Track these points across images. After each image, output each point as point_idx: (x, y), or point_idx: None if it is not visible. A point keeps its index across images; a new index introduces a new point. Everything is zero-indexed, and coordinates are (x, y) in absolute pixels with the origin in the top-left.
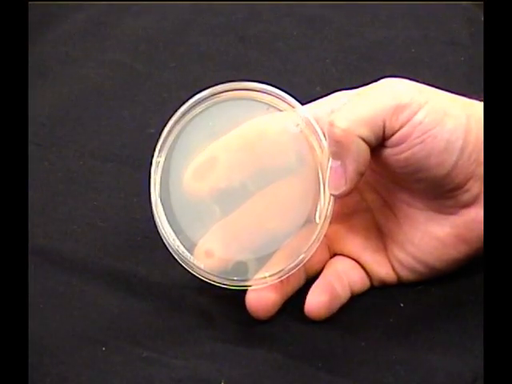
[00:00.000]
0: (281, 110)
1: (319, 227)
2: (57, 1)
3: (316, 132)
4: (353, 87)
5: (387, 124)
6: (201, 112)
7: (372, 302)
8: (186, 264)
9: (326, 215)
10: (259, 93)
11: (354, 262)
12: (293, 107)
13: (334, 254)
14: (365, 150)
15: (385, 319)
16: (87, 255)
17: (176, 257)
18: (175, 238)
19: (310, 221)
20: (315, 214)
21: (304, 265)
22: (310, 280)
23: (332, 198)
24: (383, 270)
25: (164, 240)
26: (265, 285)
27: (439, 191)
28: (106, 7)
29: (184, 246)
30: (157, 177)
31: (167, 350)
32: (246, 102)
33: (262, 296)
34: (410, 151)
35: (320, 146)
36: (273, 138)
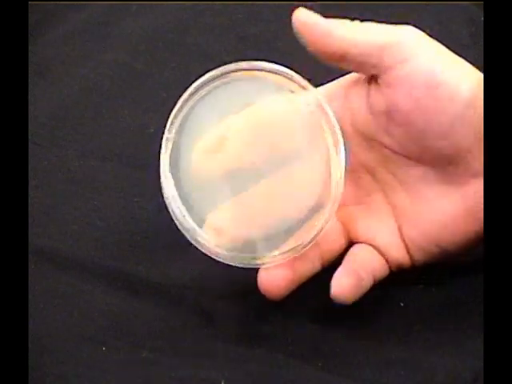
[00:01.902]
0: (292, 91)
1: (329, 207)
2: (57, 1)
3: (327, 113)
4: None
5: (389, 50)
6: (211, 91)
7: (372, 302)
8: (196, 241)
9: (336, 196)
10: (270, 73)
11: (371, 248)
12: (304, 88)
13: (349, 240)
14: None
15: (385, 319)
16: (87, 255)
17: (185, 234)
18: (186, 214)
19: (320, 201)
20: (326, 195)
21: (318, 247)
22: (326, 270)
23: (342, 178)
24: (398, 253)
25: (173, 216)
26: (275, 263)
27: (448, 150)
28: (106, 7)
29: (194, 223)
30: (166, 154)
31: (167, 349)
32: (258, 81)
33: (273, 274)
34: (415, 92)
35: (330, 128)
36: (283, 118)
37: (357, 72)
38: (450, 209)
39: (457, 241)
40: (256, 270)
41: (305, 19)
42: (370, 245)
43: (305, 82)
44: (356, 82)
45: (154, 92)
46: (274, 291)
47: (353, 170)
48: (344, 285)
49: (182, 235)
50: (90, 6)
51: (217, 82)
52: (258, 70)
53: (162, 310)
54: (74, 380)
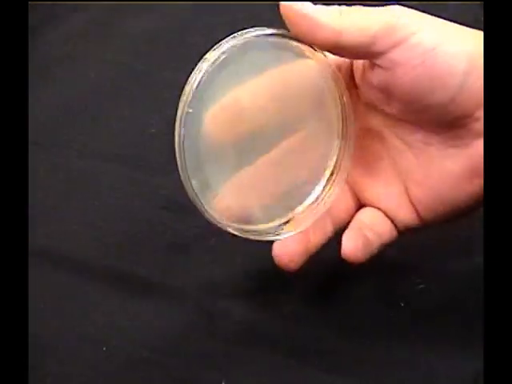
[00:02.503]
0: (308, 58)
1: (336, 177)
2: (57, 1)
3: (338, 83)
4: None
5: (380, 38)
6: (227, 58)
7: (372, 302)
8: (199, 205)
9: (342, 165)
10: (286, 39)
11: (379, 212)
12: (318, 55)
13: (358, 204)
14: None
15: (385, 319)
16: (87, 255)
17: (190, 196)
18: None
19: (327, 170)
20: (332, 164)
21: (328, 212)
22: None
23: (349, 148)
24: (407, 215)
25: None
26: (284, 236)
27: (449, 118)
28: (106, 7)
29: (200, 188)
30: (182, 116)
31: (167, 349)
32: (274, 48)
33: (287, 247)
34: (412, 73)
35: (340, 98)
36: (296, 85)
37: (350, 58)
38: (455, 169)
39: (462, 199)
40: (257, 268)
41: (293, 11)
42: (378, 208)
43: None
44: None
45: (154, 92)
46: (288, 264)
47: (360, 136)
48: (353, 244)
49: (183, 235)
50: (90, 5)
51: (233, 49)
52: (276, 35)
53: (162, 309)
54: (74, 380)
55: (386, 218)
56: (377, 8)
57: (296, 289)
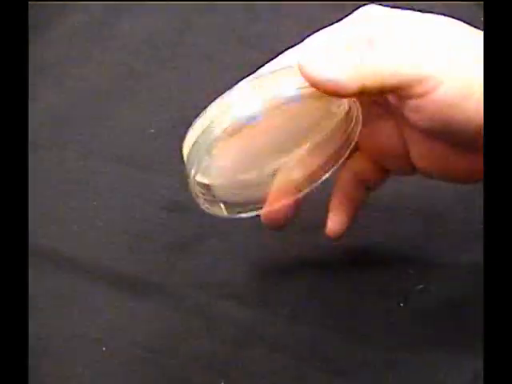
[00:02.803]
0: None
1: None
2: (57, 1)
3: None
4: None
5: (405, 87)
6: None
7: (372, 302)
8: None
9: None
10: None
11: (374, 164)
12: None
13: (356, 148)
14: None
15: (385, 319)
16: (87, 255)
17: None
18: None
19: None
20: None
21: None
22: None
23: (356, 124)
24: (405, 172)
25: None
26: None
27: (464, 146)
28: (106, 7)
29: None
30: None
31: (167, 350)
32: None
33: (277, 211)
34: (429, 122)
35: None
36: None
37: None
38: (458, 163)
39: (462, 180)
40: (257, 268)
41: (313, 79)
42: (376, 161)
43: None
44: None
45: (154, 92)
46: (276, 227)
47: (366, 104)
48: (339, 225)
49: (183, 235)
50: (90, 5)
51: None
52: None
53: (162, 310)
54: (74, 380)
55: (382, 170)
56: (399, 45)
57: (295, 289)
